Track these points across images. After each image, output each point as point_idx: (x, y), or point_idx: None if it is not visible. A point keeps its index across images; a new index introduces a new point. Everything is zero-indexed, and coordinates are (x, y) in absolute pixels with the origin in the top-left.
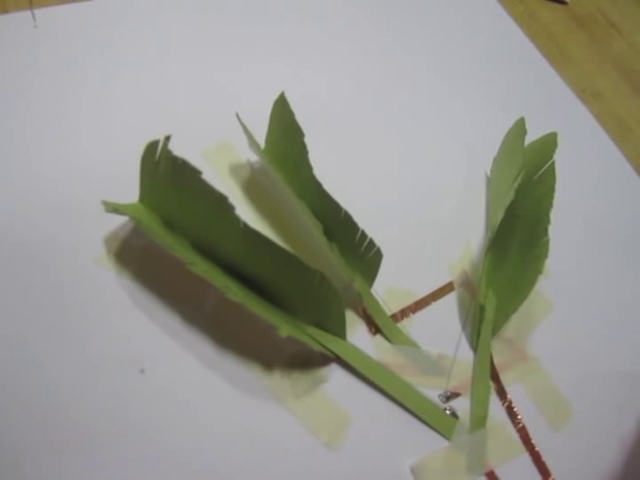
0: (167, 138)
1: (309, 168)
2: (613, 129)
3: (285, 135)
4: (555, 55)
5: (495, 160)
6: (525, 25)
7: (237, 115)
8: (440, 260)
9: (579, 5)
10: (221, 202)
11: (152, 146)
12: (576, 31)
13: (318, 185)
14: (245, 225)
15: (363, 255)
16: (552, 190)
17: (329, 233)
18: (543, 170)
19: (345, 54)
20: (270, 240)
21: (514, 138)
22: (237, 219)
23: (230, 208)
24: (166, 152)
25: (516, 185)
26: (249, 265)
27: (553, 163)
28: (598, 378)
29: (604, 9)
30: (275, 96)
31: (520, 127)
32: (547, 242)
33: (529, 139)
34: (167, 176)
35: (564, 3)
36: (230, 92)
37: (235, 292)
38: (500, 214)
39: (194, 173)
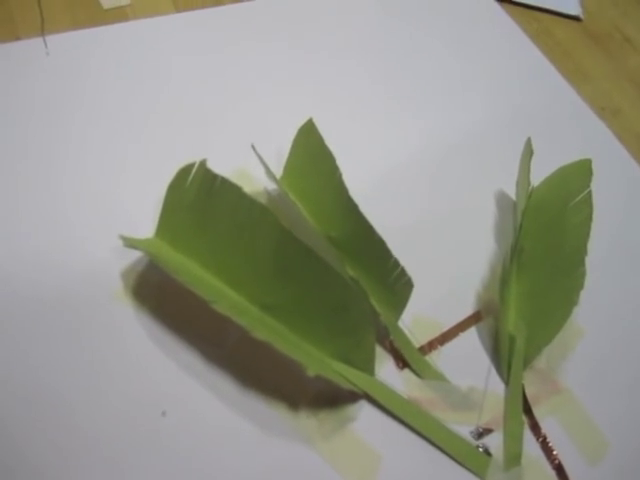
0: (204, 160)
1: (344, 190)
2: (634, 146)
3: (311, 161)
4: (572, 72)
5: (517, 184)
6: (541, 43)
7: (252, 146)
8: (466, 289)
9: (593, 21)
10: (264, 213)
11: (185, 170)
12: (592, 47)
13: (354, 207)
14: (288, 233)
15: (392, 284)
16: (589, 220)
17: (356, 259)
18: (579, 199)
19: (359, 77)
20: (311, 249)
21: (523, 159)
22: (280, 227)
23: (273, 217)
24: (204, 172)
25: (523, 207)
26: (281, 284)
27: (590, 192)
28: (633, 409)
29: (618, 24)
30: (291, 123)
31: (527, 148)
32: (583, 273)
33: (553, 161)
34: (200, 198)
35: (578, 19)
36: (246, 120)
37: (260, 329)
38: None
39: (235, 189)
